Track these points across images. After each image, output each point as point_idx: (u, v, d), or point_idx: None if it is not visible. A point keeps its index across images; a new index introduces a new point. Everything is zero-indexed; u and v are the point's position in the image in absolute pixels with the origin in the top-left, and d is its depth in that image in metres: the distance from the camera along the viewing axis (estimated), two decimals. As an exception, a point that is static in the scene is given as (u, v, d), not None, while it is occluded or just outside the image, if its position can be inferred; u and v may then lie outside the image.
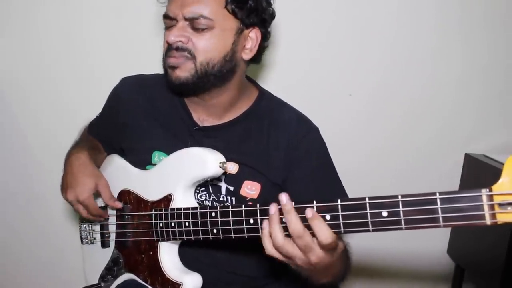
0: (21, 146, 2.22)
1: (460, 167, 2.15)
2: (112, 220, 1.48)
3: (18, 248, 2.34)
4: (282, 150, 1.40)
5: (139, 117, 1.47)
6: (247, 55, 1.38)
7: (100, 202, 1.47)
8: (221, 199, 1.40)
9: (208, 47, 1.29)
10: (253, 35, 1.37)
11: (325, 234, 0.95)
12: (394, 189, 2.08)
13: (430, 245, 2.21)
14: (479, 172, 2.01)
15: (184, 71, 1.31)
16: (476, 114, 2.13)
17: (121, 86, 1.54)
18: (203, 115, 1.44)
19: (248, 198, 1.40)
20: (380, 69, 2.09)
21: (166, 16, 1.32)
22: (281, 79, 2.05)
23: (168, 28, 1.33)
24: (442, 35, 2.07)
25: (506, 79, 2.10)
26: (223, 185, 1.40)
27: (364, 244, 2.14)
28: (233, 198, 1.40)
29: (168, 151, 1.40)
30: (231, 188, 1.40)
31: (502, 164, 1.93)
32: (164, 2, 1.37)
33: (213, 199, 1.41)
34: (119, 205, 1.43)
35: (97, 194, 1.45)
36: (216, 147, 1.36)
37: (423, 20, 2.05)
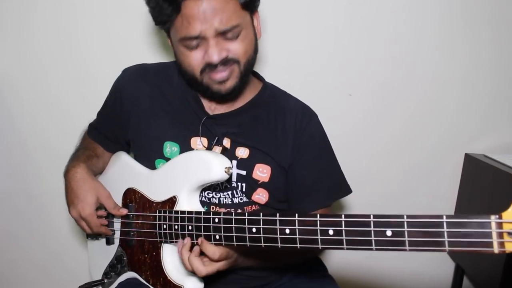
0: (18, 146, 2.22)
1: (460, 167, 2.15)
2: (118, 217, 1.49)
3: (23, 243, 2.35)
4: (290, 135, 1.45)
5: (145, 107, 1.47)
6: (258, 35, 1.41)
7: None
8: (232, 185, 1.42)
9: (245, 49, 1.32)
10: (255, 15, 1.40)
11: (211, 251, 1.19)
12: (393, 189, 2.11)
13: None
14: (479, 172, 2.01)
15: (233, 80, 1.34)
16: (477, 114, 2.12)
17: (123, 77, 1.54)
18: (214, 104, 1.46)
19: (260, 182, 1.42)
20: (380, 70, 2.08)
21: (190, 38, 1.27)
22: (283, 78, 2.03)
23: (193, 48, 1.30)
24: (443, 36, 2.05)
25: (506, 79, 2.09)
26: (234, 171, 1.41)
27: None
28: (244, 184, 1.42)
29: (180, 141, 1.42)
30: (243, 173, 1.41)
31: (502, 164, 1.93)
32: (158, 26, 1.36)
33: (224, 187, 1.42)
34: (124, 212, 1.44)
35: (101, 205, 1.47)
36: (227, 133, 1.41)
37: (423, 21, 2.04)
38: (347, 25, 2.04)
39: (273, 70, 2.02)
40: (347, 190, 1.55)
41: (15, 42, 2.07)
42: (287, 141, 1.44)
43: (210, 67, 1.30)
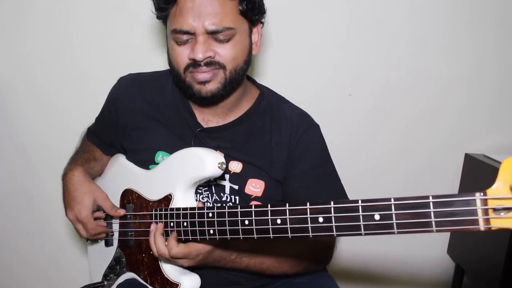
0: (16, 148, 2.23)
1: (460, 167, 2.14)
2: (116, 219, 1.50)
3: (20, 245, 2.35)
4: (284, 147, 1.42)
5: (139, 117, 1.48)
6: (255, 50, 1.40)
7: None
8: (223, 198, 1.41)
9: (234, 55, 1.30)
10: (256, 30, 1.39)
11: (169, 246, 1.23)
12: (393, 189, 2.11)
13: (430, 245, 2.22)
14: (479, 172, 2.01)
15: (216, 83, 1.31)
16: (477, 115, 2.13)
17: (118, 86, 1.54)
18: (208, 116, 1.45)
19: (252, 196, 1.41)
20: (380, 70, 2.09)
21: (180, 31, 1.27)
22: (282, 77, 2.06)
23: (182, 43, 1.30)
24: (444, 36, 2.06)
25: (507, 80, 2.10)
26: (227, 184, 1.40)
27: (363, 244, 2.16)
28: (237, 197, 1.41)
29: (172, 151, 1.40)
30: (236, 187, 1.40)
31: (502, 164, 1.93)
32: (157, 13, 1.35)
33: (214, 200, 1.41)
34: (122, 212, 1.44)
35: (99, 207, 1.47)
36: (219, 147, 1.38)
37: (425, 21, 2.05)
38: (348, 25, 2.06)
39: (274, 71, 2.03)
40: None
41: (12, 45, 2.09)
42: (281, 154, 1.42)
43: (194, 65, 1.29)
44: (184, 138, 1.43)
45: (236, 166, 1.41)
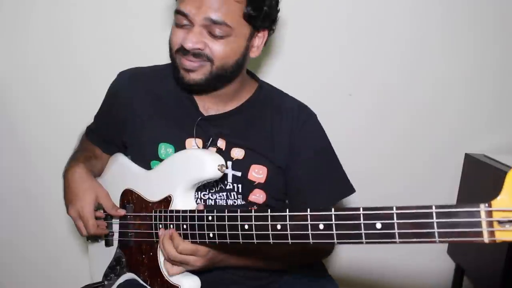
0: (16, 148, 2.22)
1: (460, 167, 2.14)
2: (116, 219, 1.49)
3: (20, 245, 2.35)
4: (286, 135, 1.44)
5: (140, 110, 1.48)
6: (254, 53, 1.41)
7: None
8: (228, 187, 1.42)
9: (225, 53, 1.30)
10: (261, 34, 1.40)
11: (176, 243, 1.23)
12: (393, 189, 2.11)
13: (430, 245, 2.18)
14: (479, 172, 2.01)
15: (200, 74, 1.32)
16: (477, 114, 2.13)
17: (118, 80, 1.54)
18: (209, 103, 1.46)
19: (255, 183, 1.42)
20: (380, 70, 2.09)
21: (178, 12, 1.30)
22: (282, 76, 2.05)
23: (180, 26, 1.32)
24: (444, 36, 2.06)
25: (507, 80, 2.10)
26: (230, 172, 1.41)
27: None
28: (240, 185, 1.42)
29: (174, 142, 1.42)
30: (238, 174, 1.41)
31: (502, 164, 1.94)
32: None
33: (220, 188, 1.42)
34: (122, 212, 1.44)
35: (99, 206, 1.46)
36: (221, 134, 1.40)
37: (425, 20, 2.04)
38: (349, 25, 2.06)
39: (274, 71, 2.03)
40: (350, 190, 1.52)
41: (12, 45, 2.09)
42: (283, 141, 1.43)
43: (183, 51, 1.31)
44: (185, 128, 1.44)
45: (238, 153, 1.42)
